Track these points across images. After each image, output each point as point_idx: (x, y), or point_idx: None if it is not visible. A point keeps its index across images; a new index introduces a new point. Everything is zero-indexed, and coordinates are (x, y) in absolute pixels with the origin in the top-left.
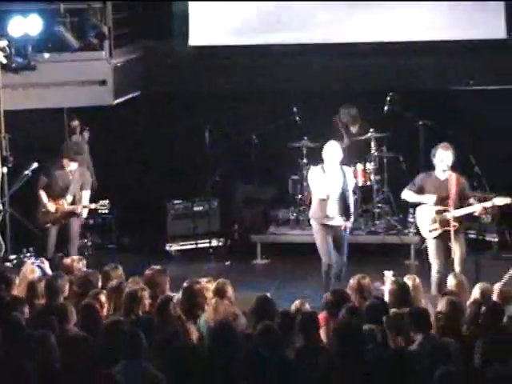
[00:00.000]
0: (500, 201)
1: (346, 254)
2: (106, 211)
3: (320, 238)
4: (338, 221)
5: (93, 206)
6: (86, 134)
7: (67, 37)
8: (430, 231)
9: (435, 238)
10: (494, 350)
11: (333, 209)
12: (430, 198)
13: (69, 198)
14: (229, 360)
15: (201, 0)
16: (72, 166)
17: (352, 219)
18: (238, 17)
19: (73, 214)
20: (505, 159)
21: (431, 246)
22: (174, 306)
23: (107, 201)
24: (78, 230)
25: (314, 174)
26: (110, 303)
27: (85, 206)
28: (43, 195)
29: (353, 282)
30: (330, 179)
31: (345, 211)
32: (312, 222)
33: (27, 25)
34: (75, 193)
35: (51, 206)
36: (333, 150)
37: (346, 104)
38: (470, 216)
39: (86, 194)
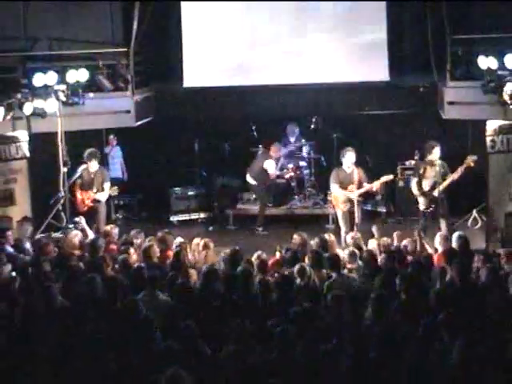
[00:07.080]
0: (386, 178)
1: None
2: (116, 193)
3: None
4: None
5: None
6: (114, 141)
7: (104, 82)
8: (343, 205)
9: (344, 210)
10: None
11: None
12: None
13: (94, 189)
14: (215, 292)
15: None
16: (93, 167)
17: None
18: (214, 67)
19: (98, 200)
20: (386, 157)
21: (341, 216)
22: (183, 256)
23: (115, 187)
24: (103, 210)
25: None
26: (137, 254)
27: (100, 195)
28: (78, 192)
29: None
30: None
31: None
32: None
33: (78, 75)
34: (98, 186)
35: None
36: None
37: (291, 123)
38: (368, 193)
39: (107, 186)
